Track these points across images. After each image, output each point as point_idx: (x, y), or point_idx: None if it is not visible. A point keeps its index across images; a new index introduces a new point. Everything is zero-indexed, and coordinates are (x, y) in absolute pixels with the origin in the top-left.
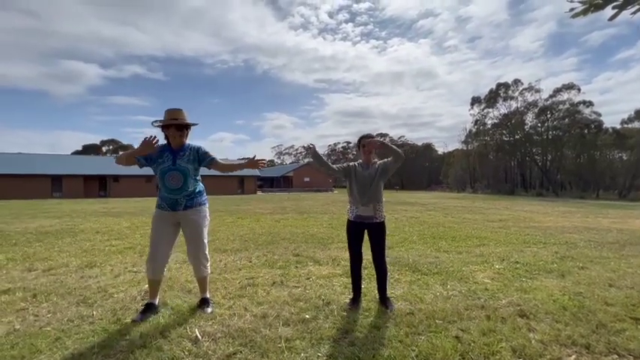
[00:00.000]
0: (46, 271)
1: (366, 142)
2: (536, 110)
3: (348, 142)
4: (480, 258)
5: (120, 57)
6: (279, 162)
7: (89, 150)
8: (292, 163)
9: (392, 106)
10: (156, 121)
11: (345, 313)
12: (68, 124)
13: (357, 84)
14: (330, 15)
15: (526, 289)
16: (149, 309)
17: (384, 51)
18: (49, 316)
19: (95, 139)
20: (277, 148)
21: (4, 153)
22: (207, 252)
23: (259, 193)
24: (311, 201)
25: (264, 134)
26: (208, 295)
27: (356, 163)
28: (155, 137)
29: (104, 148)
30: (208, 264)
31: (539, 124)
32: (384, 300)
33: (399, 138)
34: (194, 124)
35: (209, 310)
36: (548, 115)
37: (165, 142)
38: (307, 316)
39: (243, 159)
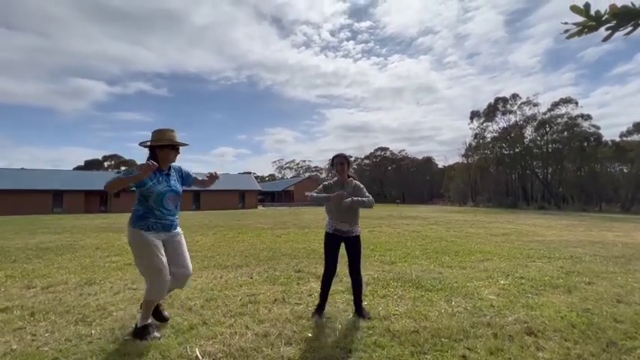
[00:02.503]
0: (45, 289)
1: (335, 196)
2: (535, 124)
3: (349, 157)
4: (484, 273)
5: (126, 74)
6: (280, 176)
7: (91, 165)
8: (293, 177)
9: (393, 120)
10: (143, 143)
11: (347, 331)
12: (72, 139)
13: (358, 99)
14: (332, 33)
15: (532, 306)
16: (151, 326)
17: (385, 67)
18: (46, 335)
19: (99, 155)
20: (278, 162)
21: (6, 169)
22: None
23: (260, 207)
24: (312, 215)
25: (266, 149)
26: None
27: (332, 182)
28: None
29: (106, 164)
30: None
31: (538, 138)
32: (359, 309)
33: (400, 152)
34: (183, 144)
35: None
36: (547, 129)
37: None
38: (310, 335)
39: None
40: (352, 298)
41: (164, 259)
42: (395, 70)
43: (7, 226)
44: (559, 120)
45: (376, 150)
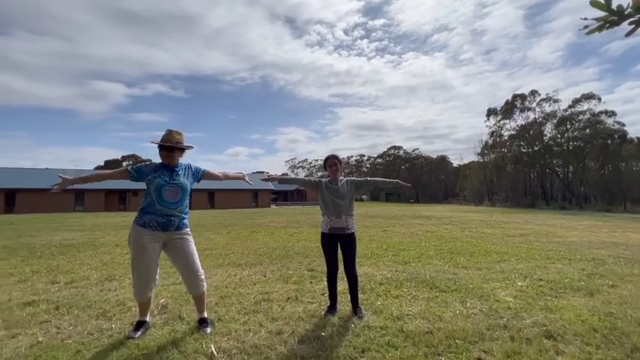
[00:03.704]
0: (69, 284)
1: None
2: (555, 121)
3: (362, 156)
4: (500, 275)
5: (144, 76)
6: (294, 175)
7: (111, 165)
8: (306, 176)
9: (407, 118)
10: (154, 141)
11: (360, 331)
12: (93, 140)
13: (371, 98)
14: (346, 32)
15: (552, 309)
16: (142, 325)
17: (399, 65)
18: (70, 328)
19: (117, 155)
20: (291, 161)
21: (32, 169)
22: (202, 270)
23: (273, 206)
24: None
25: (279, 148)
26: (206, 315)
27: (324, 180)
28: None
29: (124, 163)
30: (204, 279)
31: (558, 135)
32: (355, 307)
33: (414, 150)
34: (188, 148)
35: (208, 330)
36: (568, 126)
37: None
38: (323, 334)
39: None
40: (363, 297)
41: (149, 260)
42: (409, 68)
43: (33, 224)
44: (581, 117)
45: (389, 149)
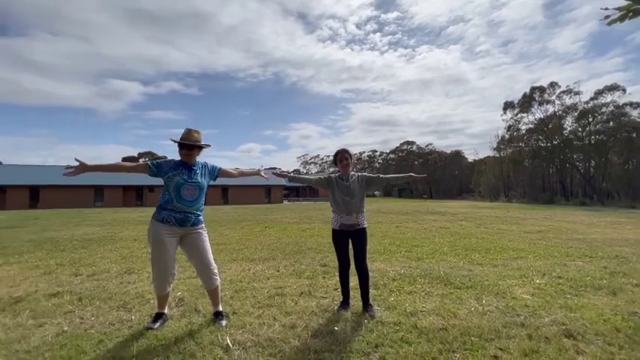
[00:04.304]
0: (90, 276)
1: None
2: (575, 114)
3: (374, 151)
4: (517, 272)
5: (159, 74)
6: (305, 171)
7: (128, 162)
8: (318, 172)
9: (420, 113)
10: (173, 139)
11: (373, 326)
12: (110, 138)
13: (384, 92)
14: (358, 26)
15: (572, 307)
16: (160, 317)
17: (412, 59)
18: (92, 319)
19: (133, 152)
20: (303, 157)
21: (55, 166)
22: (215, 264)
23: (285, 202)
24: None
25: (291, 144)
26: (221, 308)
27: (335, 175)
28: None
29: (141, 160)
30: (218, 273)
31: (579, 129)
32: (366, 306)
33: (427, 145)
34: (206, 146)
35: (224, 322)
36: (590, 119)
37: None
38: (336, 328)
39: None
40: (376, 293)
41: (167, 255)
42: (423, 62)
43: (56, 219)
44: (604, 109)
45: (402, 144)
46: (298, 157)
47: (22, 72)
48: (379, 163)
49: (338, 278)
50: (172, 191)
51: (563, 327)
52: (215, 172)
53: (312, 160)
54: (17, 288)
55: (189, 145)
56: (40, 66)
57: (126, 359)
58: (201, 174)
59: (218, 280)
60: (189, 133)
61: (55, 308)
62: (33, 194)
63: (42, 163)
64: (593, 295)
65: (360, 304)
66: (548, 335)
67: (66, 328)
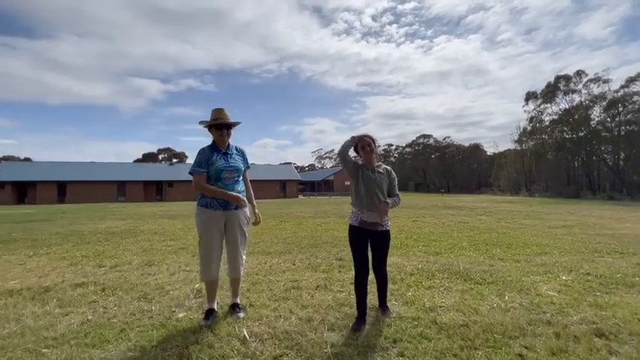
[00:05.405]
0: (113, 268)
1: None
2: (604, 103)
3: (390, 145)
4: (542, 268)
5: (178, 72)
6: (320, 166)
7: (148, 158)
8: (333, 167)
9: (438, 106)
10: (202, 122)
11: (391, 321)
12: (132, 135)
13: (400, 85)
14: (374, 18)
15: (602, 305)
16: (211, 314)
17: (430, 50)
18: (115, 309)
19: (153, 148)
20: (317, 152)
21: (81, 162)
22: (245, 251)
23: (300, 196)
24: None
25: (305, 139)
26: (239, 300)
27: (361, 162)
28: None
29: (160, 156)
30: (245, 262)
31: (608, 119)
32: (383, 305)
33: (444, 139)
34: (236, 123)
35: (241, 314)
36: (620, 109)
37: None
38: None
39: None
40: (393, 287)
41: (214, 240)
42: (441, 53)
43: (82, 213)
44: (635, 98)
45: (418, 137)
46: (313, 152)
47: (49, 72)
48: (395, 157)
49: (354, 287)
50: (213, 176)
51: (594, 326)
52: (246, 162)
53: (327, 154)
54: (46, 278)
55: (221, 125)
56: (65, 66)
57: (146, 348)
58: (238, 158)
59: (242, 272)
60: (221, 112)
61: (80, 298)
62: (61, 189)
63: (69, 159)
64: (625, 292)
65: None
66: (578, 334)
67: (90, 317)
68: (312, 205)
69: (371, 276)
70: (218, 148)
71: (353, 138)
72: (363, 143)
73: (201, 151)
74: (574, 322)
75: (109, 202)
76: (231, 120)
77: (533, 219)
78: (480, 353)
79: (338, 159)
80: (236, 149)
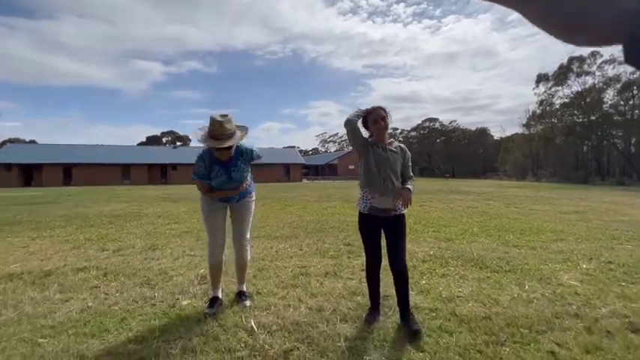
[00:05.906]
0: (116, 252)
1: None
2: (618, 86)
3: (395, 129)
4: (560, 255)
5: (179, 54)
6: (324, 150)
7: (152, 141)
8: (337, 150)
9: (444, 89)
10: (200, 138)
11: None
12: (135, 118)
13: (406, 67)
14: None
15: (631, 297)
16: (215, 302)
17: (438, 30)
18: (117, 295)
19: (156, 131)
20: (322, 136)
21: (86, 145)
22: (248, 236)
23: (304, 180)
24: (356, 189)
25: (310, 122)
26: (245, 287)
27: (372, 139)
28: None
29: (164, 139)
30: (250, 247)
31: (621, 102)
32: (405, 316)
33: (450, 123)
34: (241, 137)
35: (248, 303)
36: (635, 91)
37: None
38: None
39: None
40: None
41: (217, 221)
42: (449, 33)
43: (87, 196)
44: None
45: (424, 121)
46: (317, 136)
47: (51, 54)
48: (400, 141)
49: (366, 278)
50: (215, 185)
51: (626, 320)
52: (252, 155)
53: (331, 138)
54: (47, 262)
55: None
56: (67, 47)
57: (148, 339)
58: (242, 166)
59: (248, 258)
60: (219, 126)
61: (81, 283)
62: (66, 172)
63: (73, 142)
64: None
65: (392, 286)
66: (611, 329)
67: (90, 304)
68: (317, 189)
69: (384, 262)
70: (218, 161)
71: (363, 110)
72: (375, 116)
73: (200, 160)
74: (604, 316)
75: (115, 185)
76: (235, 129)
77: (543, 204)
78: (508, 350)
79: (345, 130)
80: (240, 154)
